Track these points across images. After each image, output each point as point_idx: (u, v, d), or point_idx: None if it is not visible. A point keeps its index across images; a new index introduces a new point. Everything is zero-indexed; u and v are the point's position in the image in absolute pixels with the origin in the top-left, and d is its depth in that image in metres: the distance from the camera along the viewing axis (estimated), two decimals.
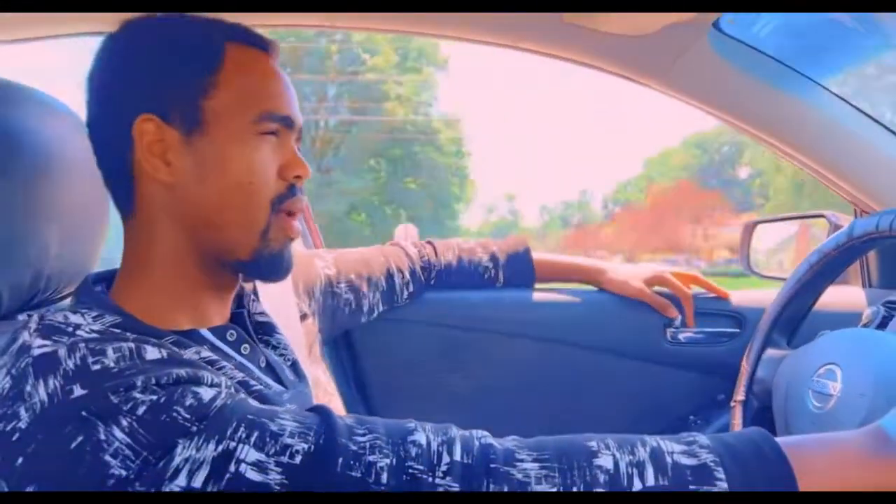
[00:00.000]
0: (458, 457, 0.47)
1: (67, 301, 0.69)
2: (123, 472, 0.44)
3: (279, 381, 0.64)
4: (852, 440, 0.51)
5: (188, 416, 0.46)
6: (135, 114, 0.57)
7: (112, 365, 0.47)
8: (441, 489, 0.46)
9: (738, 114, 1.03)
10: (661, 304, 1.10)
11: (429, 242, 1.12)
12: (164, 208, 0.59)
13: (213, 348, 0.59)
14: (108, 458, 0.44)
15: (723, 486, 0.46)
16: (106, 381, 0.46)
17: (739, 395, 0.88)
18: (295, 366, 0.69)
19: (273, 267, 0.62)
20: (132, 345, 0.49)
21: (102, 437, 0.44)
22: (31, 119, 0.63)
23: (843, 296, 1.08)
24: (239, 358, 0.61)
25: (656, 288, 1.11)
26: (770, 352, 0.87)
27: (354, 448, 0.47)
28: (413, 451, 0.47)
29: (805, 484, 0.47)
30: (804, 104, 1.00)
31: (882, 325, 0.90)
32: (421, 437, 0.48)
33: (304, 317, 0.86)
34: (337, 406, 0.83)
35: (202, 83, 0.58)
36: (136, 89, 0.58)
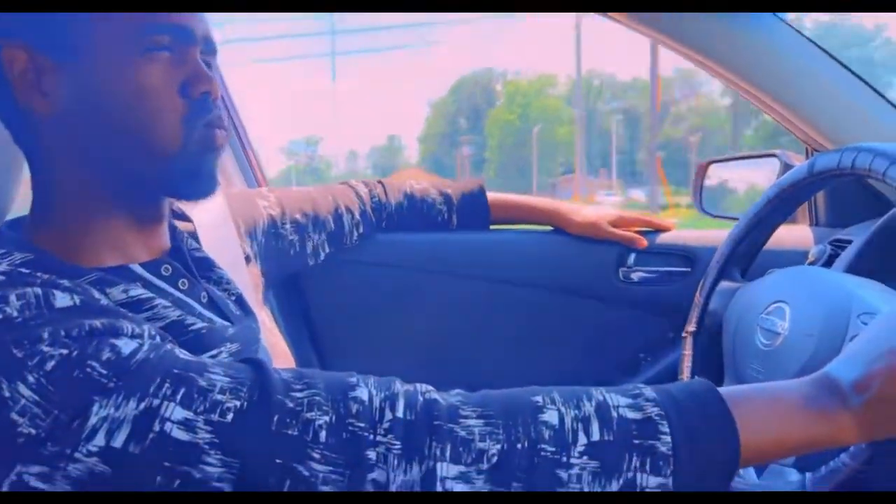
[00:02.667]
0: (400, 413, 0.45)
1: None
2: (33, 431, 0.40)
3: (223, 316, 0.61)
4: (797, 390, 0.50)
5: (104, 372, 0.42)
6: (2, 40, 0.51)
7: (15, 314, 0.43)
8: (382, 447, 0.44)
9: (698, 49, 1.01)
10: (631, 238, 1.10)
11: (379, 182, 1.08)
12: (53, 141, 0.54)
13: (147, 285, 0.55)
14: (14, 416, 0.40)
15: (667, 439, 0.46)
16: (8, 332, 0.42)
17: (691, 325, 0.88)
18: (240, 300, 0.65)
19: (193, 183, 0.57)
20: (39, 290, 0.45)
21: (7, 393, 0.41)
22: None
23: (792, 234, 1.09)
24: (177, 293, 0.58)
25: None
26: (724, 284, 0.87)
27: (291, 405, 0.44)
28: (354, 407, 0.45)
29: (746, 436, 0.47)
30: (759, 37, 0.98)
31: (828, 263, 0.92)
32: (363, 393, 0.46)
33: (247, 259, 0.82)
34: (283, 348, 0.81)
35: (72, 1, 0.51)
36: (2, 14, 0.52)
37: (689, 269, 1.12)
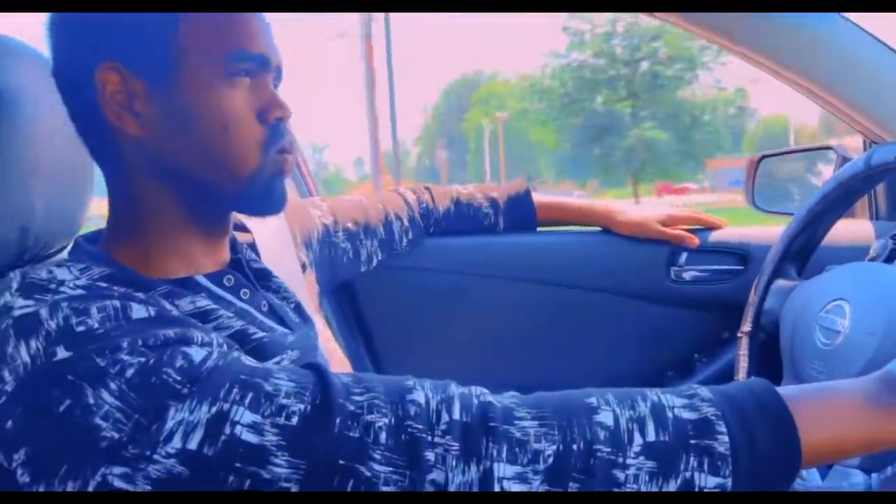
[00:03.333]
0: (457, 415, 0.46)
1: (57, 257, 0.68)
2: (116, 435, 0.43)
3: (283, 323, 0.63)
4: (859, 389, 0.49)
5: (179, 378, 0.45)
6: (96, 61, 0.54)
7: (96, 326, 0.46)
8: (440, 448, 0.45)
9: (748, 44, 0.99)
10: (681, 237, 1.09)
11: (426, 188, 1.10)
12: (138, 160, 0.57)
13: (211, 295, 0.58)
14: (98, 420, 0.43)
15: (724, 439, 0.46)
16: (91, 343, 0.45)
17: (746, 325, 0.87)
18: (299, 308, 0.68)
19: (266, 200, 0.60)
20: (117, 303, 0.47)
21: (91, 400, 0.43)
22: (10, 73, 0.61)
23: (851, 229, 1.06)
24: (239, 303, 0.60)
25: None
26: (780, 282, 0.85)
27: (352, 408, 0.46)
28: (412, 409, 0.46)
29: (807, 435, 0.46)
30: (816, 32, 0.96)
31: (890, 258, 0.89)
32: (419, 396, 0.47)
33: (303, 267, 0.85)
34: (339, 354, 0.83)
35: (164, 24, 0.54)
36: (96, 34, 0.55)
37: (742, 268, 1.10)
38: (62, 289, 0.48)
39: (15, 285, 0.49)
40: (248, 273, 0.65)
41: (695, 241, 1.09)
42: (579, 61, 18.18)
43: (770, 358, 0.86)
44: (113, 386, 0.44)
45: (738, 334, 0.89)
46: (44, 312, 0.46)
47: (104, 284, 0.50)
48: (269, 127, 0.58)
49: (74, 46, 0.56)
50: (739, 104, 19.03)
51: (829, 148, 1.15)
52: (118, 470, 0.43)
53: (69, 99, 0.58)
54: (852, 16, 0.95)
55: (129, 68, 0.54)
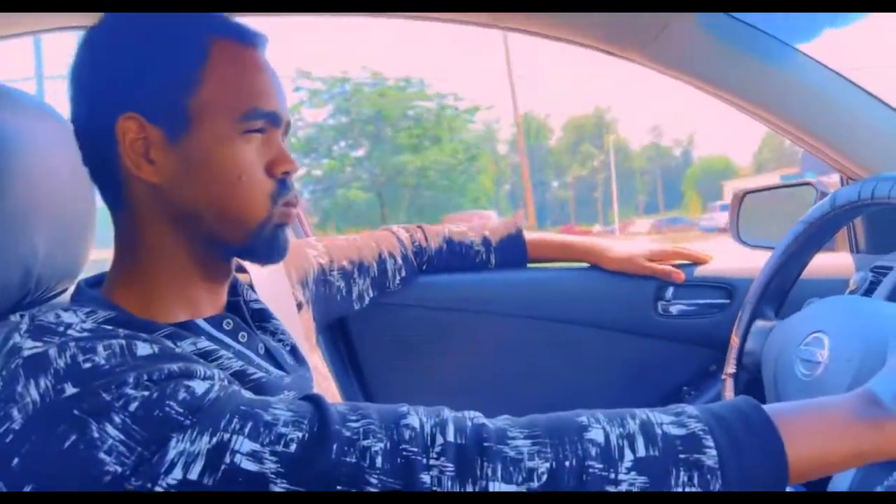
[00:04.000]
0: (451, 438, 0.48)
1: (59, 299, 0.70)
2: (119, 469, 0.44)
3: (279, 366, 0.65)
4: (840, 404, 0.51)
5: (181, 410, 0.46)
6: (117, 112, 0.57)
7: (103, 362, 0.47)
8: (436, 470, 0.46)
9: (723, 86, 1.03)
10: (668, 273, 1.11)
11: (419, 227, 1.13)
12: (151, 206, 0.59)
13: (211, 338, 0.60)
14: (102, 455, 0.44)
15: (712, 452, 0.47)
16: (97, 378, 0.46)
17: (730, 367, 0.89)
18: (294, 350, 0.69)
19: (270, 250, 0.62)
20: (123, 341, 0.49)
21: (96, 434, 0.45)
22: (15, 121, 0.63)
23: (831, 262, 1.09)
24: (237, 346, 0.62)
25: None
26: (759, 323, 0.87)
27: (348, 434, 0.47)
28: (407, 434, 0.48)
29: (793, 449, 0.48)
30: (790, 74, 1.00)
31: (869, 290, 0.91)
32: (414, 420, 0.49)
33: (299, 306, 0.86)
34: (333, 391, 0.84)
35: (186, 81, 0.57)
36: (118, 87, 0.57)
37: (728, 301, 1.12)
38: (69, 331, 0.50)
39: (24, 327, 0.51)
40: (247, 316, 0.67)
41: (681, 276, 1.12)
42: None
43: (755, 396, 0.88)
44: (117, 420, 0.45)
45: (723, 376, 0.91)
46: (52, 352, 0.48)
47: (109, 327, 0.52)
48: (276, 180, 0.61)
49: (96, 96, 0.58)
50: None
51: (808, 184, 1.19)
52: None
53: (87, 146, 0.60)
54: (821, 54, 1.00)
55: (148, 119, 0.57)
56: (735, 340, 0.89)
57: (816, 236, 0.81)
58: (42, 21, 0.93)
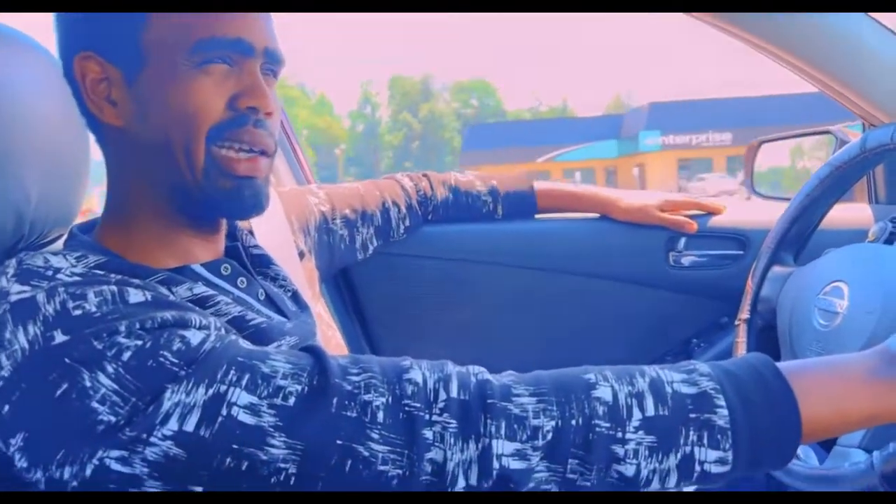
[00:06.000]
0: (454, 393, 0.46)
1: (53, 246, 0.68)
2: (112, 419, 0.43)
3: (280, 312, 0.63)
4: (858, 362, 0.49)
5: (176, 361, 0.45)
6: (76, 50, 0.54)
7: (94, 309, 0.46)
8: (438, 426, 0.45)
9: (743, 25, 0.98)
10: (680, 223, 1.09)
11: (424, 175, 1.10)
12: (122, 150, 0.57)
13: (208, 283, 0.58)
14: (95, 404, 0.43)
15: (723, 412, 0.46)
16: (88, 326, 0.45)
17: (744, 313, 0.87)
18: (296, 296, 0.67)
19: (232, 206, 0.58)
20: (114, 287, 0.47)
21: (88, 383, 0.43)
22: (5, 63, 0.60)
23: (849, 213, 1.06)
24: (236, 291, 0.60)
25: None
26: (776, 269, 0.85)
27: (349, 388, 0.46)
28: (409, 388, 0.46)
29: (807, 408, 0.46)
30: (812, 15, 0.95)
31: (889, 240, 0.88)
32: (417, 375, 0.47)
33: (301, 254, 0.85)
34: (338, 340, 0.83)
35: (135, 14, 0.53)
36: (73, 26, 0.55)
37: (741, 252, 1.10)
38: (59, 276, 0.48)
39: (11, 271, 0.49)
40: (246, 261, 0.65)
41: (693, 226, 1.09)
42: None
43: (768, 344, 0.86)
44: (110, 369, 0.44)
45: (736, 322, 0.89)
46: (41, 297, 0.46)
47: (100, 272, 0.50)
48: (235, 114, 0.55)
49: (60, 40, 0.56)
50: None
51: (827, 132, 1.15)
52: (115, 453, 0.43)
53: (71, 89, 0.58)
54: None
55: (106, 57, 0.54)
56: (750, 285, 0.86)
57: (842, 180, 0.78)
58: None
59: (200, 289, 0.55)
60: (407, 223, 1.05)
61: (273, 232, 0.78)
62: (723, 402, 0.46)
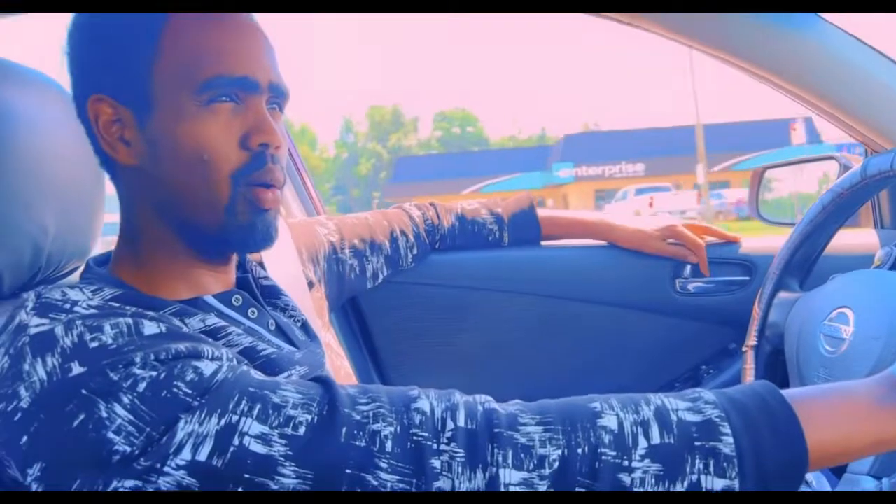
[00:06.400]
0: (462, 423, 0.47)
1: (69, 279, 0.70)
2: (128, 449, 0.44)
3: (290, 342, 0.64)
4: (862, 389, 0.49)
5: (189, 391, 0.46)
6: (88, 93, 0.55)
7: (110, 342, 0.47)
8: (446, 456, 0.46)
9: (743, 54, 1.00)
10: (680, 254, 1.09)
11: (431, 204, 1.11)
12: (134, 188, 0.58)
13: (220, 314, 0.59)
14: (111, 434, 0.44)
15: (728, 440, 0.46)
16: (104, 358, 0.46)
17: (751, 339, 0.87)
18: (305, 326, 0.68)
19: (245, 240, 0.58)
20: (130, 320, 0.48)
21: (104, 414, 0.44)
22: (24, 98, 0.63)
23: (855, 238, 1.06)
24: (247, 322, 0.61)
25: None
26: (782, 295, 0.86)
27: (358, 417, 0.46)
28: (417, 418, 0.47)
29: (813, 436, 0.46)
30: (809, 41, 0.97)
31: (894, 266, 0.89)
32: (424, 405, 0.48)
33: (311, 285, 0.86)
34: (347, 370, 0.84)
35: (144, 54, 0.54)
36: (87, 67, 0.56)
37: (748, 278, 1.10)
38: (76, 308, 0.50)
39: (30, 305, 0.51)
40: (256, 292, 0.66)
41: (692, 258, 1.09)
42: None
43: (776, 370, 0.86)
44: (125, 400, 0.45)
45: (743, 348, 0.89)
46: (59, 330, 0.47)
47: (116, 304, 0.51)
48: (251, 154, 0.56)
49: (73, 82, 0.58)
50: None
51: (830, 158, 1.16)
52: (129, 483, 0.44)
53: (84, 127, 0.59)
54: (841, 20, 0.96)
55: (118, 99, 0.55)
56: (757, 312, 0.87)
57: (844, 206, 0.79)
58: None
59: (213, 320, 0.56)
60: (415, 252, 1.06)
61: (283, 262, 0.79)
62: (728, 430, 0.46)
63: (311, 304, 0.82)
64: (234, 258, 0.65)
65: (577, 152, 21.78)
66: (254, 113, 0.56)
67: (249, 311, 0.62)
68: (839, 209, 0.79)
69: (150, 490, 0.44)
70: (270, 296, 0.68)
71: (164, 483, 0.44)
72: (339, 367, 0.81)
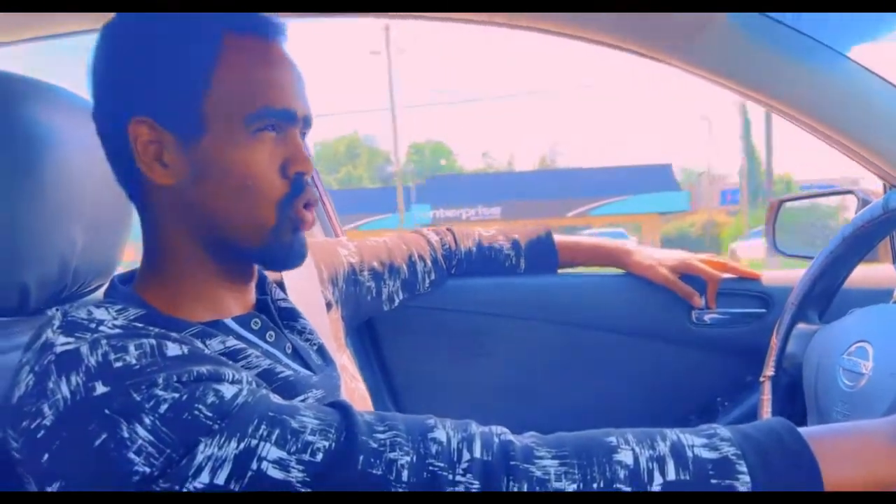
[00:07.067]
0: (477, 454, 0.47)
1: (94, 295, 0.71)
2: (147, 470, 0.44)
3: (306, 366, 0.64)
4: (881, 429, 0.49)
5: (210, 414, 0.46)
6: (129, 115, 0.56)
7: (134, 362, 0.47)
8: (461, 487, 0.46)
9: (763, 90, 1.00)
10: (687, 293, 1.09)
11: (449, 230, 1.12)
12: (167, 207, 0.59)
13: (239, 337, 0.60)
14: (131, 455, 0.44)
15: (745, 479, 0.46)
16: (128, 378, 0.46)
17: (769, 370, 0.86)
18: (321, 350, 0.69)
19: (284, 257, 0.61)
20: (154, 341, 0.49)
21: (126, 434, 0.44)
22: (54, 116, 0.64)
23: (873, 273, 1.05)
24: (265, 345, 0.61)
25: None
26: (801, 326, 0.85)
27: (375, 445, 0.47)
28: (433, 448, 0.47)
29: (830, 475, 0.46)
30: (830, 77, 0.97)
31: None
32: (441, 435, 0.48)
33: (328, 305, 0.86)
34: (362, 392, 0.84)
35: (197, 84, 0.56)
36: (130, 89, 0.57)
37: (764, 310, 1.09)
38: (101, 328, 0.50)
39: (56, 323, 0.51)
40: (275, 315, 0.66)
41: (699, 302, 1.09)
42: None
43: (793, 402, 0.85)
44: (147, 421, 0.45)
45: (761, 379, 0.88)
46: (84, 349, 0.48)
47: (140, 325, 0.52)
48: (290, 181, 0.59)
49: (110, 98, 0.58)
50: None
51: (849, 192, 1.16)
52: None
53: (105, 144, 0.60)
54: (861, 56, 0.97)
55: (160, 123, 0.56)
56: (775, 342, 0.86)
57: (864, 240, 0.79)
58: (54, 24, 0.94)
59: (232, 342, 0.57)
60: (432, 277, 1.06)
61: (302, 282, 0.79)
62: (744, 469, 0.46)
63: (328, 325, 0.82)
64: (255, 278, 0.66)
65: (436, 194, 21.63)
66: (292, 143, 0.59)
67: (267, 334, 0.63)
68: (860, 242, 0.79)
69: None
70: (288, 318, 0.69)
71: None
72: (354, 389, 0.82)
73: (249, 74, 0.57)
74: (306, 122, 0.61)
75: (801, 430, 0.49)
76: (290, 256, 0.61)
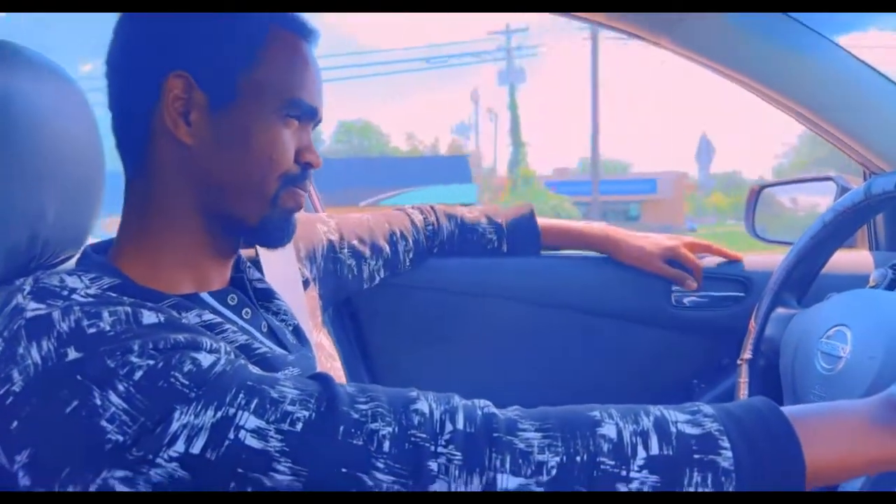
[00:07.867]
0: (460, 426, 0.47)
1: (65, 266, 0.69)
2: (120, 438, 0.43)
3: (282, 345, 0.64)
4: (861, 408, 0.49)
5: (186, 382, 0.45)
6: (170, 67, 0.57)
7: (108, 328, 0.46)
8: (443, 458, 0.45)
9: (746, 72, 1.01)
10: (679, 277, 1.09)
11: (432, 209, 1.11)
12: (177, 168, 0.58)
13: (215, 311, 0.59)
14: (104, 423, 0.43)
15: (727, 454, 0.46)
16: (102, 344, 0.45)
17: (746, 353, 0.87)
18: (297, 330, 0.68)
19: (278, 233, 0.63)
20: (128, 308, 0.48)
21: (98, 401, 0.43)
22: (25, 81, 0.62)
23: (851, 258, 1.07)
24: (241, 322, 0.61)
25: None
26: (780, 310, 0.86)
27: (356, 416, 0.46)
28: (415, 419, 0.47)
29: (811, 454, 0.47)
30: (815, 62, 0.98)
31: (890, 286, 0.89)
32: (423, 406, 0.48)
33: (305, 283, 0.85)
34: (338, 371, 0.83)
35: (243, 57, 0.58)
36: (177, 43, 0.58)
37: (743, 294, 1.10)
38: (74, 295, 0.49)
39: (27, 289, 0.50)
40: (251, 293, 0.66)
41: (693, 285, 1.09)
42: None
43: (770, 385, 0.86)
44: (121, 388, 0.44)
45: (738, 362, 0.89)
46: (56, 315, 0.47)
47: (114, 294, 0.51)
48: (300, 167, 0.63)
49: (154, 48, 0.58)
50: None
51: (828, 178, 1.17)
52: (119, 473, 0.43)
53: (121, 98, 0.60)
54: (847, 44, 0.97)
55: (197, 81, 0.57)
56: (753, 325, 0.87)
57: (845, 225, 0.79)
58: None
59: (209, 316, 0.56)
60: (413, 256, 1.05)
61: (279, 259, 0.78)
62: (727, 444, 0.46)
63: (305, 304, 0.81)
64: (235, 255, 0.65)
65: None
66: (307, 136, 0.64)
67: (243, 311, 0.62)
68: (840, 228, 0.80)
69: (141, 481, 0.43)
70: (264, 298, 0.68)
71: (154, 475, 0.43)
72: (331, 368, 0.81)
73: (294, 65, 0.61)
74: (318, 122, 0.66)
75: (784, 408, 0.49)
76: (285, 233, 0.64)
